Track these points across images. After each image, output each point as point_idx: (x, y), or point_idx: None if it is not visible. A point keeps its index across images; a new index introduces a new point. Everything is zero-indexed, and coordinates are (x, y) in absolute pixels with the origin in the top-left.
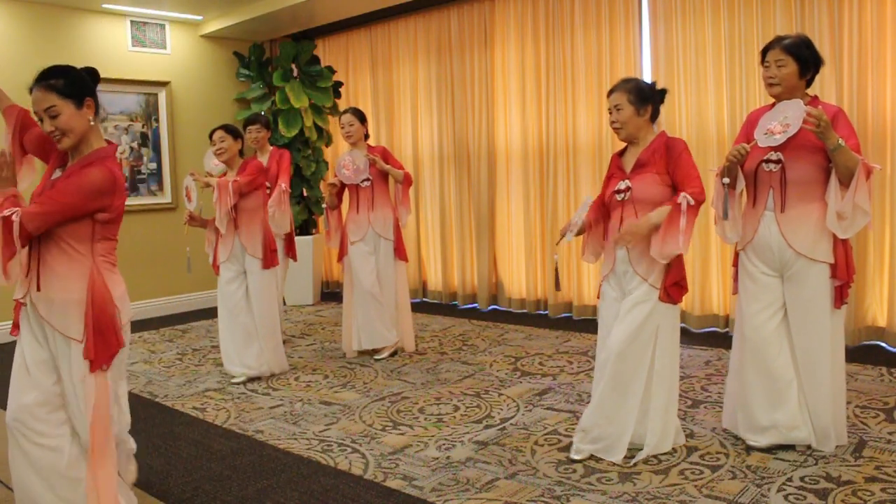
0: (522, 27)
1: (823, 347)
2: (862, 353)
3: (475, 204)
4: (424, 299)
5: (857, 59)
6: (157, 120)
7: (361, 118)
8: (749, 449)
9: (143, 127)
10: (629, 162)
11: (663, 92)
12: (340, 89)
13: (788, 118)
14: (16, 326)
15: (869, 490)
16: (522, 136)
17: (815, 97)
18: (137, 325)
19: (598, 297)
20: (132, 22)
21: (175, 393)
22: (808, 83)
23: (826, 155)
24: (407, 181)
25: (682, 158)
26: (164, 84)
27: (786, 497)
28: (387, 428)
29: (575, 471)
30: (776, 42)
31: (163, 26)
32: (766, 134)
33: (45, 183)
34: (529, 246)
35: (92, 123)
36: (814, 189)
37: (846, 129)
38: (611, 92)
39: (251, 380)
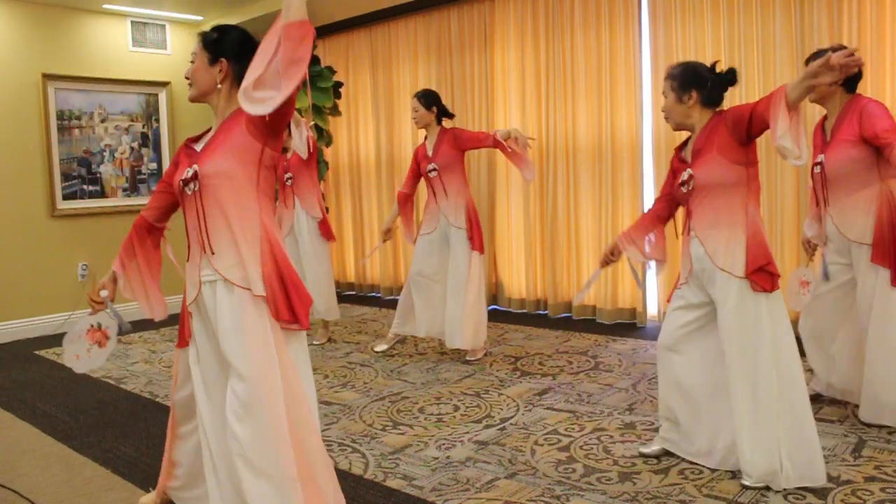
0: (522, 27)
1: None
2: None
3: (475, 204)
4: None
5: None
6: (157, 120)
7: (427, 103)
8: None
9: (143, 127)
10: (689, 152)
11: (727, 75)
12: (340, 89)
13: None
14: None
15: (868, 490)
16: None
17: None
18: (137, 325)
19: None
20: (132, 22)
21: None
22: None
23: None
24: (493, 143)
25: (735, 109)
26: (164, 84)
27: (785, 497)
28: (387, 428)
29: (574, 471)
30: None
31: (163, 27)
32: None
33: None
34: (529, 246)
35: (219, 86)
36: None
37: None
38: (665, 77)
39: None
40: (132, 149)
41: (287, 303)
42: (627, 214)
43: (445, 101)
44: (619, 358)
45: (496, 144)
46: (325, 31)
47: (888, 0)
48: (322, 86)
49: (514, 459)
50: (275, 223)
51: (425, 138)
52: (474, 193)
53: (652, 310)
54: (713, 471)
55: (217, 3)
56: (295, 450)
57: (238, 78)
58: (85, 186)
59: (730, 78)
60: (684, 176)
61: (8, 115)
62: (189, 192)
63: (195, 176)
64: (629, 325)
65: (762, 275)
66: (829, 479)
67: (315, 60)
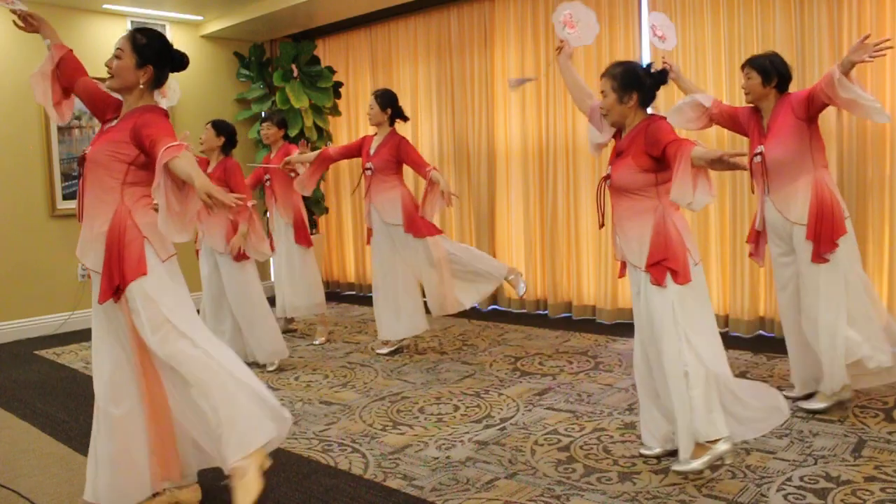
0: (522, 27)
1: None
2: None
3: (475, 204)
4: (424, 299)
5: None
6: None
7: (383, 103)
8: (747, 450)
9: None
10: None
11: (660, 75)
12: (340, 89)
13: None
14: None
15: (868, 490)
16: (522, 137)
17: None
18: None
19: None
20: (133, 22)
21: None
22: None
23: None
24: (425, 177)
25: (659, 125)
26: None
27: (785, 497)
28: (387, 428)
29: (574, 470)
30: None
31: (163, 27)
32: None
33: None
34: (529, 246)
35: (141, 86)
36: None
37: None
38: (602, 75)
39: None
40: None
41: (109, 280)
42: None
43: (446, 100)
44: (619, 358)
45: (426, 179)
46: (325, 31)
47: (888, 0)
48: (322, 86)
49: (514, 459)
50: (138, 211)
51: (375, 134)
52: (474, 193)
53: None
54: (713, 470)
55: (217, 3)
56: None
57: (156, 81)
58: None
59: (663, 79)
60: (607, 171)
61: (8, 115)
62: (81, 170)
63: (83, 160)
64: (629, 325)
65: (659, 269)
66: (829, 478)
67: (315, 60)
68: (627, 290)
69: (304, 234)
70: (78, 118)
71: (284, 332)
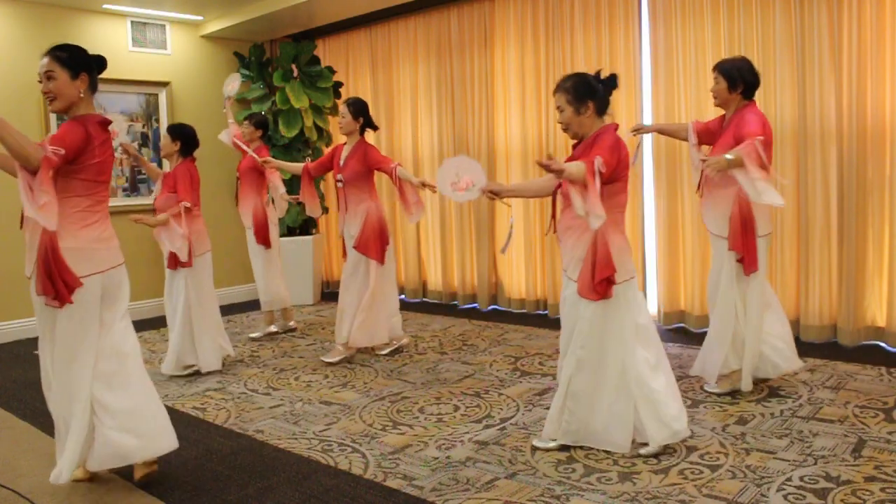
0: (522, 27)
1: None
2: (861, 352)
3: (475, 204)
4: (424, 299)
5: (856, 60)
6: (157, 120)
7: (355, 111)
8: (748, 450)
9: (143, 127)
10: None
11: (611, 80)
12: (340, 89)
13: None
14: None
15: (868, 490)
16: (522, 136)
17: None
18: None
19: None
20: (132, 22)
21: (175, 393)
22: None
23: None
24: (392, 176)
25: (595, 145)
26: (164, 84)
27: (785, 497)
28: (387, 428)
29: (574, 470)
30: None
31: (163, 27)
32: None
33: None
34: (529, 246)
35: (82, 95)
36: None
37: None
38: (554, 91)
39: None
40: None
41: (49, 282)
42: (627, 214)
43: (446, 100)
44: None
45: (393, 179)
46: (325, 31)
47: (888, 0)
48: (322, 86)
49: (514, 459)
50: (70, 214)
51: (345, 143)
52: None
53: (652, 309)
54: (713, 470)
55: (217, 3)
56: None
57: (92, 86)
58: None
59: (614, 84)
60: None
61: (8, 115)
62: None
63: None
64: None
65: (603, 285)
66: (829, 479)
67: (315, 60)
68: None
69: (264, 235)
70: None
71: (285, 331)
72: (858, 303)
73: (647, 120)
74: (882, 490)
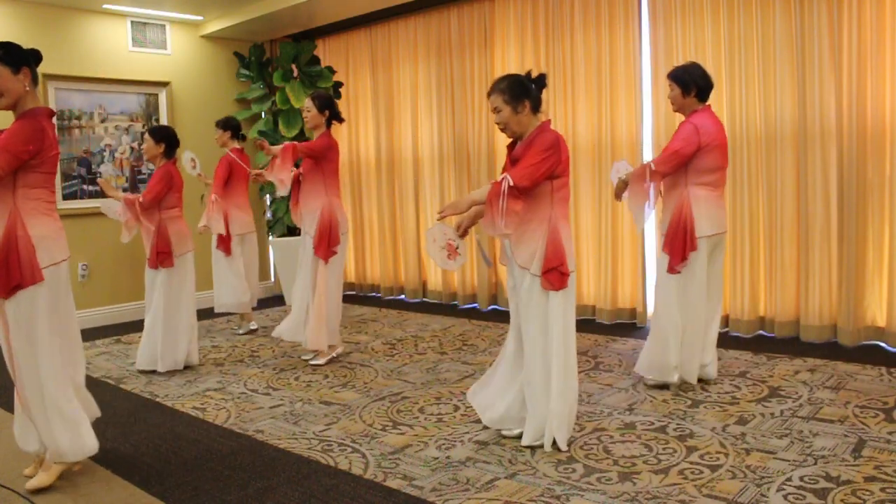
0: (522, 27)
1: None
2: (861, 353)
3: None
4: (424, 299)
5: (856, 60)
6: (157, 120)
7: (321, 105)
8: (748, 450)
9: (143, 127)
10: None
11: (540, 79)
12: (340, 89)
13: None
14: None
15: (868, 490)
16: None
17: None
18: (138, 326)
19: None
20: (132, 22)
21: (175, 393)
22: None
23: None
24: (285, 151)
25: (533, 146)
26: (164, 84)
27: (785, 497)
28: (387, 428)
29: (574, 470)
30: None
31: (163, 27)
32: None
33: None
34: None
35: (27, 89)
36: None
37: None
38: (489, 94)
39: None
40: (132, 149)
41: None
42: (627, 214)
43: (446, 100)
44: (619, 358)
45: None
46: (325, 31)
47: (888, 0)
48: (322, 86)
49: (514, 459)
50: (35, 206)
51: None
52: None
53: (651, 309)
54: (713, 470)
55: (217, 3)
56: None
57: (35, 79)
58: (85, 186)
59: (543, 83)
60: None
61: (8, 114)
62: None
63: None
64: (629, 325)
65: (553, 275)
66: (829, 479)
67: (315, 60)
68: (627, 290)
69: (225, 243)
70: (78, 118)
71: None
72: (858, 303)
73: (648, 120)
74: (882, 490)
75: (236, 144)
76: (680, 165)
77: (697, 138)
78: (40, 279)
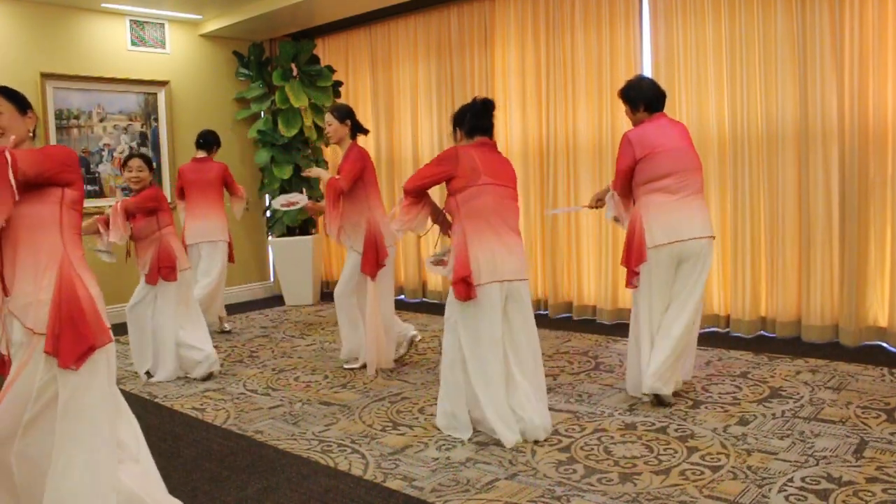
0: (522, 27)
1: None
2: (863, 353)
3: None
4: (424, 299)
5: (857, 59)
6: (156, 119)
7: (341, 116)
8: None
9: (142, 126)
10: None
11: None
12: (340, 89)
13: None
14: None
15: (870, 491)
16: (522, 136)
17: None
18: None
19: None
20: (131, 21)
21: (175, 393)
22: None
23: None
24: (330, 188)
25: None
26: (163, 83)
27: (787, 498)
28: (387, 428)
29: (575, 471)
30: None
31: (162, 25)
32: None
33: None
34: (529, 246)
35: (31, 134)
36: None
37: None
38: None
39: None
40: (131, 148)
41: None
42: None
43: (446, 100)
44: (619, 358)
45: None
46: (325, 31)
47: (889, 0)
48: (321, 85)
49: (514, 460)
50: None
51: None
52: None
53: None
54: (715, 471)
55: (216, 2)
56: None
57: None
58: (84, 186)
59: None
60: None
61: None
62: None
63: None
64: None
65: (460, 285)
66: (831, 479)
67: (314, 59)
68: (628, 290)
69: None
70: (76, 117)
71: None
72: (860, 303)
73: None
74: (884, 491)
75: (201, 154)
76: (626, 181)
77: (631, 150)
78: (109, 340)
